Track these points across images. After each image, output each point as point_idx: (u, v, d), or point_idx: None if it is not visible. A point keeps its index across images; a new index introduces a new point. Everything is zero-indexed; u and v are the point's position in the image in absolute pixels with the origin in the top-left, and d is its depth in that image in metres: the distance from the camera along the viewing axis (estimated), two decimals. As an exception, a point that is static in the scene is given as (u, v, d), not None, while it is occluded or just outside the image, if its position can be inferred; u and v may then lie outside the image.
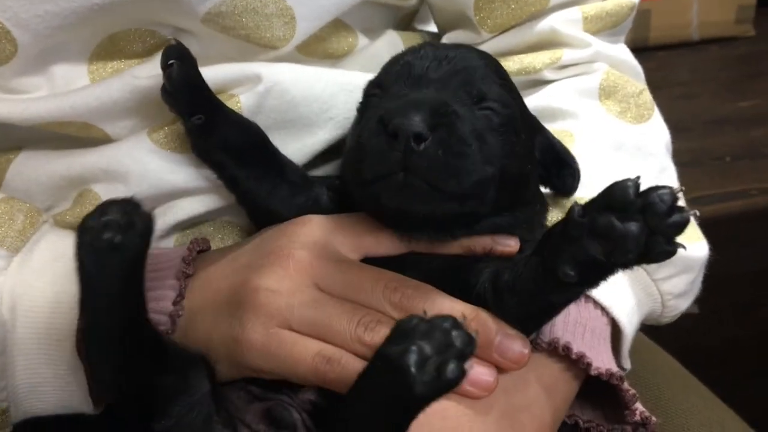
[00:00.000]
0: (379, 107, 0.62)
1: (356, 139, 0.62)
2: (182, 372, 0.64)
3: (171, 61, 0.66)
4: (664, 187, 0.51)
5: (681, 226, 0.50)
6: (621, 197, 0.51)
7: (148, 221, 0.58)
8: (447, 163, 0.58)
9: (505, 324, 0.63)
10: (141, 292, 0.61)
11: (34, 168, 0.76)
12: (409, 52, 0.68)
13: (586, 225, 0.53)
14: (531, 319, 0.65)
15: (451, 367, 0.50)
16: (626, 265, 0.54)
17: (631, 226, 0.50)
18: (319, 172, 0.80)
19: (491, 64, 0.68)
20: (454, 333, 0.51)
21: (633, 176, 0.52)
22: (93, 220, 0.56)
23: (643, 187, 0.52)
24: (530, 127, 0.70)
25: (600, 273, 0.56)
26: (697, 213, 0.53)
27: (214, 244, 0.75)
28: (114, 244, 0.56)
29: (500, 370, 0.64)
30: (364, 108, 0.68)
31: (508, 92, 0.67)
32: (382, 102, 0.64)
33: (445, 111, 0.59)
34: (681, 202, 0.51)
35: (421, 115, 0.57)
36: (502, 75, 0.68)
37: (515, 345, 0.63)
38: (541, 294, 0.60)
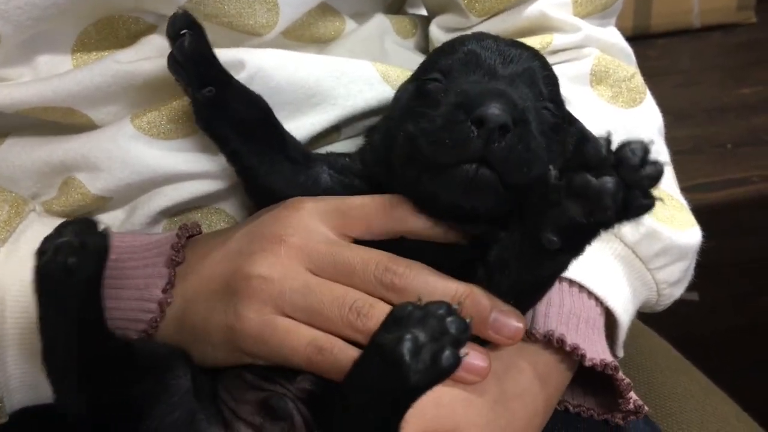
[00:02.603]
0: (448, 93, 0.61)
1: (426, 122, 0.60)
2: (159, 375, 0.64)
3: (183, 31, 0.64)
4: (635, 141, 0.51)
5: (655, 178, 0.51)
6: (593, 154, 0.52)
7: (102, 241, 0.60)
8: (522, 158, 0.58)
9: (500, 300, 0.62)
10: (99, 311, 0.61)
11: (18, 154, 0.75)
12: (471, 40, 0.67)
13: (563, 186, 0.53)
14: (524, 294, 0.64)
15: (447, 355, 0.50)
16: (607, 224, 0.54)
17: (607, 181, 0.51)
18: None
19: (546, 65, 0.68)
20: (449, 319, 0.51)
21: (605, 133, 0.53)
22: (48, 242, 0.58)
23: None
24: (569, 121, 0.70)
25: (583, 236, 0.57)
26: (669, 162, 0.53)
27: (202, 232, 0.74)
28: (67, 266, 0.57)
29: (496, 347, 0.64)
30: (419, 92, 0.66)
31: (559, 92, 0.68)
32: (452, 88, 0.62)
33: (523, 107, 0.59)
34: (658, 156, 0.52)
35: (507, 106, 0.57)
36: (554, 75, 0.68)
37: (510, 321, 0.62)
38: (528, 266, 0.60)
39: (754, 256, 1.65)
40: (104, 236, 0.60)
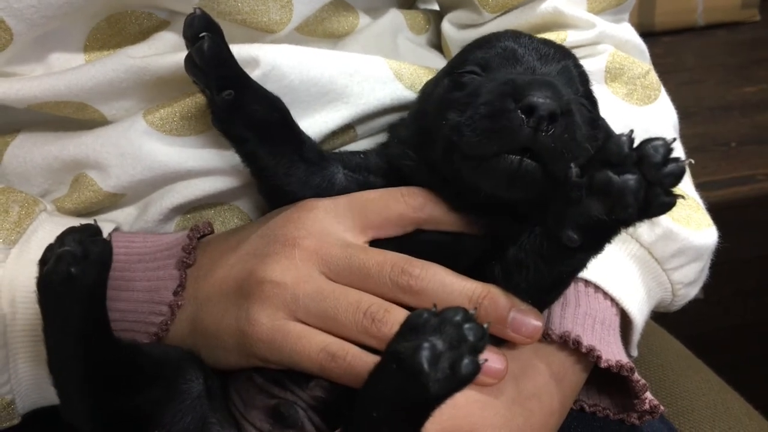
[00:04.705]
0: (489, 84, 0.61)
1: (472, 110, 0.60)
2: (169, 380, 0.64)
3: (202, 34, 0.63)
4: (657, 138, 0.52)
5: (677, 176, 0.51)
6: (616, 151, 0.52)
7: (105, 248, 0.60)
8: (567, 147, 0.58)
9: (517, 299, 0.62)
10: (104, 318, 0.61)
11: (30, 149, 0.75)
12: (506, 37, 0.67)
13: (584, 184, 0.53)
14: (541, 293, 0.64)
15: (466, 363, 0.49)
16: (628, 221, 0.54)
17: (629, 178, 0.51)
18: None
19: (579, 63, 0.68)
20: (467, 326, 0.50)
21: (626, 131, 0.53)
22: (49, 251, 0.59)
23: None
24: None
25: (603, 234, 0.57)
26: (692, 161, 0.54)
27: (215, 229, 0.74)
28: (69, 275, 0.57)
29: (513, 347, 0.64)
30: (456, 85, 0.65)
31: (592, 90, 0.68)
32: (494, 79, 0.62)
33: (568, 98, 0.59)
34: (676, 154, 0.52)
35: (555, 96, 0.57)
36: (586, 72, 0.68)
37: (529, 319, 0.62)
38: (546, 264, 0.60)
39: (760, 254, 1.65)
40: (107, 244, 0.61)
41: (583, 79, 0.67)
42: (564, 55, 0.66)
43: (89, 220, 0.64)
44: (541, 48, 0.65)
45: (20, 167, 0.75)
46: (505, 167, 0.58)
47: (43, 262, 0.59)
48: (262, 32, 0.73)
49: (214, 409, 0.66)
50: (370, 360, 0.58)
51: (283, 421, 0.63)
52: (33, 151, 0.75)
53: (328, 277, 0.64)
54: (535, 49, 0.65)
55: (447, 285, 0.61)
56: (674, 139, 0.52)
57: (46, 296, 0.59)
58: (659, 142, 0.51)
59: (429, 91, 0.71)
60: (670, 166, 0.51)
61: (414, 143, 0.68)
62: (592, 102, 0.66)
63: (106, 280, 0.61)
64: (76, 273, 0.57)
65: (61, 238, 0.59)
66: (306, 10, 0.75)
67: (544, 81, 0.59)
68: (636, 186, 0.51)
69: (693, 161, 0.56)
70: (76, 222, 0.67)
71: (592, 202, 0.54)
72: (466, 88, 0.63)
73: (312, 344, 0.61)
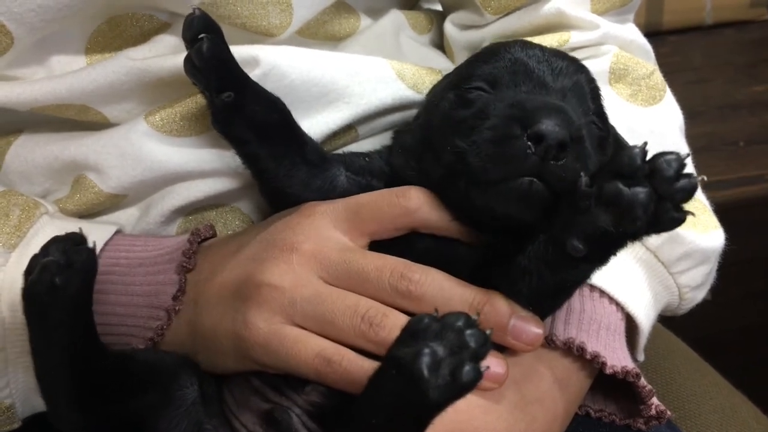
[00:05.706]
0: (497, 104, 0.60)
1: (477, 136, 0.59)
2: (164, 387, 0.64)
3: (201, 35, 0.62)
4: (671, 152, 0.51)
5: (689, 192, 0.51)
6: (628, 163, 0.51)
7: (88, 257, 0.60)
8: (576, 175, 0.56)
9: (518, 306, 0.61)
10: (91, 328, 0.61)
11: (31, 149, 0.75)
12: (516, 48, 0.65)
13: (593, 194, 0.53)
14: (545, 301, 0.63)
15: (467, 369, 0.48)
16: (635, 235, 0.53)
17: (639, 191, 0.51)
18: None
19: (591, 77, 0.67)
20: (468, 332, 0.49)
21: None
22: (34, 261, 0.59)
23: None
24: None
25: (609, 245, 0.56)
26: (705, 178, 0.53)
27: (218, 231, 0.74)
28: (53, 285, 0.57)
29: (515, 352, 0.63)
30: (462, 102, 0.64)
31: (603, 105, 0.67)
32: (502, 99, 0.61)
33: (579, 124, 0.58)
34: (689, 169, 0.51)
35: (564, 122, 0.56)
36: (598, 87, 0.67)
37: (530, 327, 0.61)
38: (551, 273, 0.59)
39: (767, 254, 1.64)
40: (91, 252, 0.60)
41: (595, 94, 0.65)
42: (576, 69, 0.65)
43: (87, 223, 0.64)
44: (552, 62, 0.64)
45: (22, 166, 0.75)
46: (515, 190, 0.57)
47: (28, 272, 0.59)
48: (263, 36, 0.73)
49: (209, 414, 0.65)
50: (367, 365, 0.57)
51: (277, 426, 0.62)
52: (35, 150, 0.75)
53: (327, 282, 0.63)
54: (547, 62, 0.63)
55: (447, 290, 0.61)
56: (688, 154, 0.51)
57: (31, 306, 0.59)
58: (672, 156, 0.51)
59: (435, 102, 0.69)
60: (683, 182, 0.50)
61: (418, 153, 0.68)
62: (603, 118, 0.65)
63: (92, 289, 0.61)
64: (60, 282, 0.57)
65: (46, 248, 0.59)
66: (306, 13, 0.74)
67: (555, 106, 0.58)
68: (646, 199, 0.51)
69: (705, 178, 0.55)
70: (78, 224, 0.67)
71: (600, 213, 0.53)
72: (473, 106, 0.62)
73: (308, 349, 0.60)
